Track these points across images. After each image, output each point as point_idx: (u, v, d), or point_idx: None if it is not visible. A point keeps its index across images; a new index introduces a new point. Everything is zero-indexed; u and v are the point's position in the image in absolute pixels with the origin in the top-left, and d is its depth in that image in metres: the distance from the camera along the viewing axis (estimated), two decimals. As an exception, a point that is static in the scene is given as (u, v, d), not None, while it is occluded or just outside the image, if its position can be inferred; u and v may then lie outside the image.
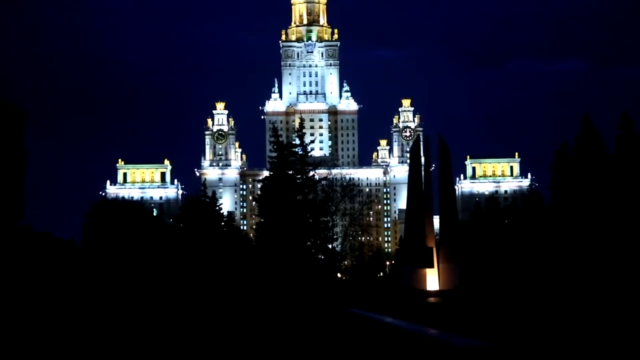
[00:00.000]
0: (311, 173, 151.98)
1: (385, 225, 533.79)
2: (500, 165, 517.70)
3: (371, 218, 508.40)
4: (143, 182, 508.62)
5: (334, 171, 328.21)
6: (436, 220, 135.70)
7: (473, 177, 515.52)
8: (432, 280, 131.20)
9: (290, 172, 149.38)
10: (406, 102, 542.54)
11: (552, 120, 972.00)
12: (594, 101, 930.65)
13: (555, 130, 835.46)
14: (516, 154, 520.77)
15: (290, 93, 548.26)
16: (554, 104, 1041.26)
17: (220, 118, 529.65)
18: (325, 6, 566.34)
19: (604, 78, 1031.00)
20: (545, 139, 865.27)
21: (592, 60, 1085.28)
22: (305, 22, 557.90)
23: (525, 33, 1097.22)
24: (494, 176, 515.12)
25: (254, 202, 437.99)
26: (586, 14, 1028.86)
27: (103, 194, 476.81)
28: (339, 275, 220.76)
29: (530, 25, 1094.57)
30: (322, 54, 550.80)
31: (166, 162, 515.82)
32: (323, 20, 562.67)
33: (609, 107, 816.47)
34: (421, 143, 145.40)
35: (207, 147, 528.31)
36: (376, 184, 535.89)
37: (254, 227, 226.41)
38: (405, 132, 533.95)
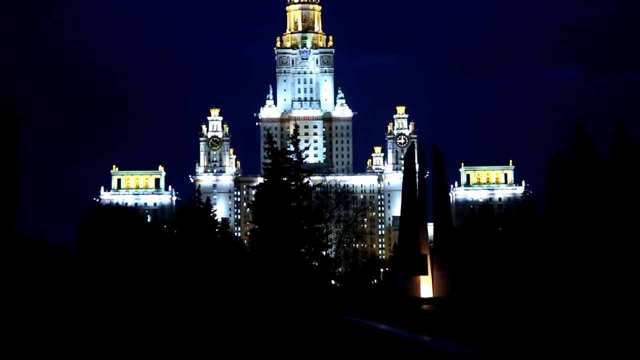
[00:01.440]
0: (305, 180, 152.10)
1: (380, 232, 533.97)
2: (494, 173, 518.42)
3: (365, 225, 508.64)
4: (137, 189, 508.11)
5: (329, 178, 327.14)
6: (430, 227, 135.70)
7: (467, 184, 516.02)
8: (426, 287, 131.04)
9: (285, 179, 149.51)
10: (400, 109, 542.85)
11: (547, 127, 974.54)
12: (589, 108, 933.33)
13: (549, 137, 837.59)
14: (510, 161, 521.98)
15: (285, 100, 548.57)
16: (548, 112, 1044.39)
17: (215, 124, 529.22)
18: (320, 13, 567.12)
19: (598, 85, 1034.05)
20: (539, 147, 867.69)
21: (587, 68, 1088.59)
22: (300, 29, 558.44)
23: (520, 40, 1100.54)
24: (488, 183, 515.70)
25: (248, 209, 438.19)
26: (581, 22, 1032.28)
27: (97, 200, 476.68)
28: (333, 282, 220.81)
29: (526, 32, 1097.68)
30: (316, 60, 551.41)
31: (160, 168, 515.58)
32: (318, 27, 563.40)
33: (604, 114, 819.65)
34: (415, 150, 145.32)
35: (202, 154, 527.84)
36: (370, 190, 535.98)
37: (248, 233, 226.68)
38: (400, 139, 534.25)
